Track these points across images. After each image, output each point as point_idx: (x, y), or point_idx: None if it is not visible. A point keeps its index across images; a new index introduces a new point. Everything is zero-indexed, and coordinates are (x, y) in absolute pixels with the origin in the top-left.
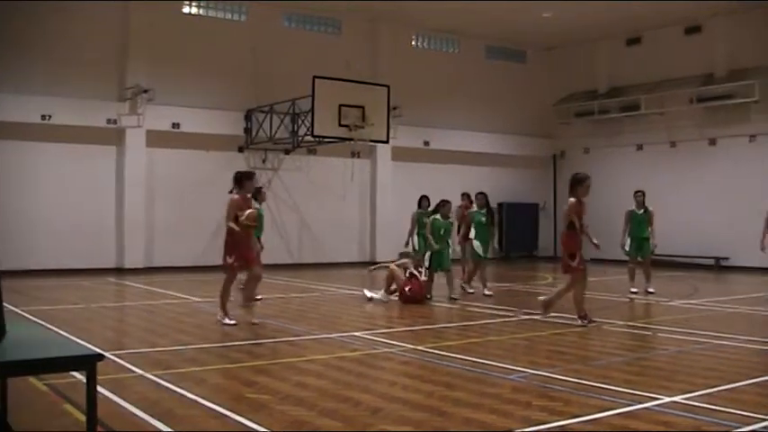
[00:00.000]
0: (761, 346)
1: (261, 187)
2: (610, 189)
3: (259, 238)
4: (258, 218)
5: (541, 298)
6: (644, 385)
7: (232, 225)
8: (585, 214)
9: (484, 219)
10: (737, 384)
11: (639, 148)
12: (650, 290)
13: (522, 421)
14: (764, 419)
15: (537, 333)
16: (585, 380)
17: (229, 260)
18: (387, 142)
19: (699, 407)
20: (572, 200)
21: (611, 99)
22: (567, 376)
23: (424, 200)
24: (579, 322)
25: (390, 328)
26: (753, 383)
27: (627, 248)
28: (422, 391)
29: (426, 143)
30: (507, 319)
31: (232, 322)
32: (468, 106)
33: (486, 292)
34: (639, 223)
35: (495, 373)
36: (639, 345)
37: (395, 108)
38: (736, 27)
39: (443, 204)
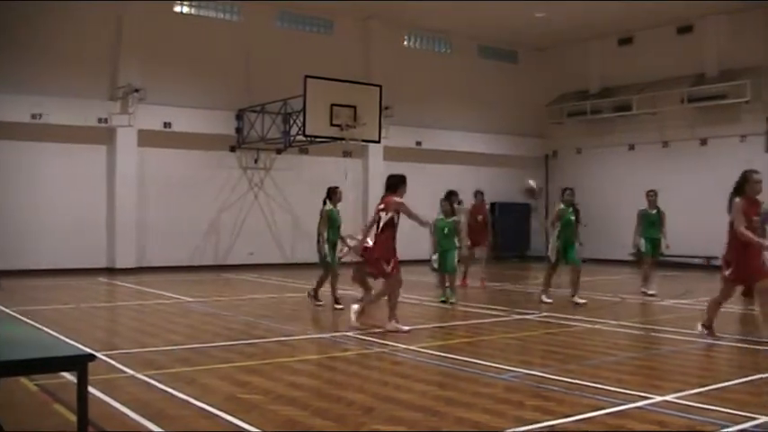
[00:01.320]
0: (752, 346)
1: (336, 187)
2: (602, 189)
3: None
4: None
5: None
6: (636, 384)
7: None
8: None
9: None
10: (729, 383)
11: (631, 147)
12: (644, 290)
13: (515, 421)
14: (755, 418)
15: (529, 333)
16: (578, 379)
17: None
18: (378, 142)
19: (691, 406)
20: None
21: (603, 99)
22: (559, 376)
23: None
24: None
25: (382, 327)
26: (744, 382)
27: (642, 249)
28: (414, 391)
29: (418, 143)
30: (500, 319)
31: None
32: (461, 106)
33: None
34: (653, 223)
35: (488, 372)
36: (632, 344)
37: (387, 108)
38: (728, 27)
39: (451, 198)
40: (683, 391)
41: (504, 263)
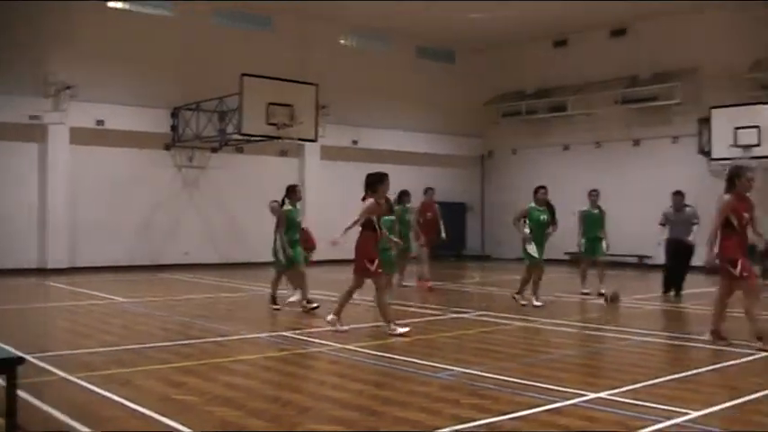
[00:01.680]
0: (683, 343)
1: (296, 186)
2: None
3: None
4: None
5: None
6: (571, 382)
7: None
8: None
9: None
10: (660, 380)
11: (566, 148)
12: (602, 291)
13: (452, 419)
14: (686, 413)
15: (465, 331)
16: (514, 377)
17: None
18: (315, 141)
19: (623, 402)
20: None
21: (539, 100)
22: (495, 374)
23: (404, 195)
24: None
25: (319, 327)
26: (675, 379)
27: (582, 249)
28: (351, 391)
29: (355, 142)
30: (436, 318)
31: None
32: (398, 105)
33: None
34: (594, 222)
35: (425, 371)
36: (567, 342)
37: (324, 107)
38: (660, 30)
39: (403, 198)
40: (617, 387)
41: (441, 262)
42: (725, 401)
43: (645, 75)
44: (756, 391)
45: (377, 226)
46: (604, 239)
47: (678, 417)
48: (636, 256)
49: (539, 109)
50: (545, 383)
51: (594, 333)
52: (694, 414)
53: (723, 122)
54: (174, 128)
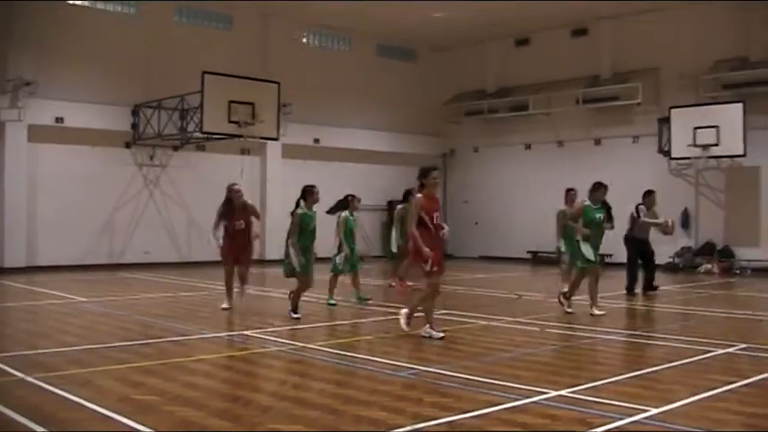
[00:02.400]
0: (642, 340)
1: (313, 186)
2: (499, 188)
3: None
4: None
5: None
6: (532, 380)
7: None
8: (438, 212)
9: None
10: (621, 377)
11: (528, 147)
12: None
13: (414, 417)
14: (646, 410)
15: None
16: (475, 376)
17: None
18: (277, 140)
19: (584, 400)
20: (418, 196)
21: (501, 99)
22: (457, 372)
23: (410, 195)
24: (431, 333)
25: (280, 326)
26: (635, 376)
27: (563, 249)
28: (312, 390)
29: (316, 140)
30: (397, 317)
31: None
32: (359, 104)
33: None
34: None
35: (386, 370)
36: (528, 341)
37: (285, 105)
38: (621, 31)
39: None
40: (578, 385)
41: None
42: (683, 398)
43: (606, 75)
44: (714, 388)
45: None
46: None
47: (637, 414)
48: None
49: (500, 108)
50: (507, 382)
51: (557, 332)
52: (653, 411)
53: (682, 122)
54: (134, 126)
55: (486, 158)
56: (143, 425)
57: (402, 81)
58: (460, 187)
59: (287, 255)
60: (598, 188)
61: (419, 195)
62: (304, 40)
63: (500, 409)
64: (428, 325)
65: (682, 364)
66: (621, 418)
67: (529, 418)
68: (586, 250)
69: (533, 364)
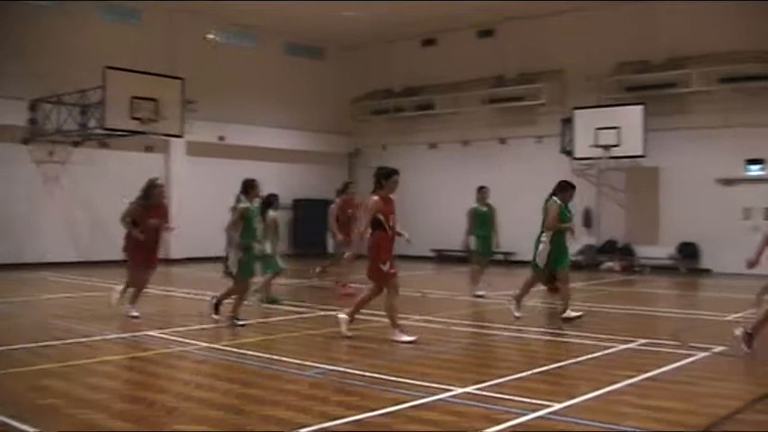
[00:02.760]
0: (546, 337)
1: (254, 180)
2: (405, 186)
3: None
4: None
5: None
6: (438, 377)
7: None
8: (394, 214)
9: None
10: (525, 374)
11: (433, 146)
12: (481, 292)
13: (320, 416)
14: (550, 405)
15: (333, 329)
16: (382, 374)
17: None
18: (181, 137)
19: (489, 396)
20: (375, 197)
21: (407, 98)
22: (363, 371)
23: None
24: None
25: (185, 326)
26: (539, 372)
27: (473, 247)
28: (218, 390)
29: (222, 138)
30: (304, 316)
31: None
32: (266, 102)
33: None
34: (484, 221)
35: (293, 369)
36: (435, 338)
37: (190, 102)
38: (527, 32)
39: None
40: (484, 382)
41: (309, 259)
42: (586, 393)
43: (511, 75)
44: (615, 382)
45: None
46: (495, 237)
47: (541, 409)
48: (500, 252)
49: (407, 107)
50: (413, 379)
51: (463, 329)
52: (557, 406)
53: (585, 123)
54: (32, 121)
55: (393, 157)
56: (44, 430)
57: (310, 79)
58: (367, 186)
59: (228, 254)
60: (566, 188)
61: (376, 197)
62: (210, 35)
63: (407, 407)
64: (397, 329)
65: (585, 360)
66: (526, 414)
67: (436, 415)
68: (555, 253)
69: (440, 361)
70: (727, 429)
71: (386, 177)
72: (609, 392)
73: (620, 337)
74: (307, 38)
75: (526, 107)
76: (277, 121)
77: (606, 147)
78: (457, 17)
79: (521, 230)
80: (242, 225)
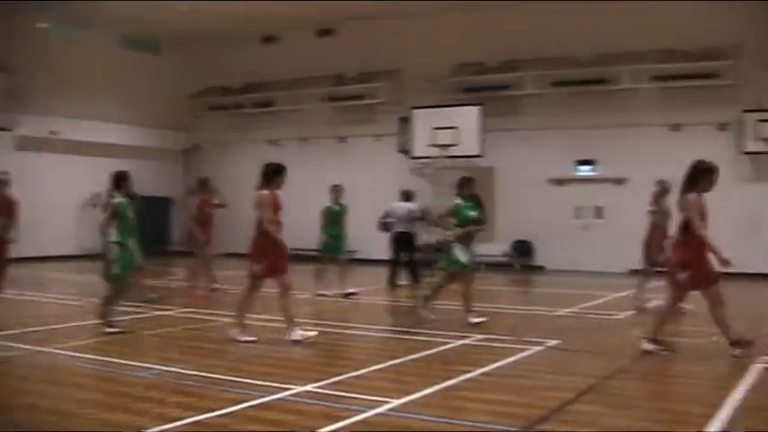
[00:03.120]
0: (383, 334)
1: (126, 172)
2: (244, 184)
3: None
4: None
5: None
6: (278, 376)
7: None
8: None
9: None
10: (364, 371)
11: (273, 143)
12: (351, 290)
13: (157, 419)
14: (389, 402)
15: (169, 329)
16: (220, 374)
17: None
18: (10, 130)
19: (329, 394)
20: (265, 192)
21: (247, 95)
22: (201, 371)
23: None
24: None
25: (10, 329)
26: (377, 369)
27: (323, 247)
28: (49, 395)
29: (54, 133)
30: (139, 316)
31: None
32: (100, 96)
33: None
34: (336, 219)
35: (128, 371)
36: (275, 337)
37: (19, 95)
38: (367, 32)
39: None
40: (323, 380)
41: (145, 258)
42: (424, 389)
43: (351, 74)
44: (452, 378)
45: None
46: (345, 237)
47: (380, 406)
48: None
49: (246, 104)
50: (252, 379)
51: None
52: (395, 402)
53: (423, 122)
54: None
55: (232, 154)
56: None
57: (146, 74)
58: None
59: (105, 254)
60: (466, 183)
61: (266, 192)
62: (42, 25)
63: (246, 407)
64: (296, 328)
65: (422, 357)
66: (365, 411)
67: (275, 415)
68: (459, 253)
69: (279, 360)
70: (560, 419)
71: (276, 173)
72: (446, 388)
73: (456, 334)
74: (143, 31)
75: (365, 106)
76: (113, 116)
77: (443, 146)
78: (297, 16)
79: (358, 229)
80: (115, 221)
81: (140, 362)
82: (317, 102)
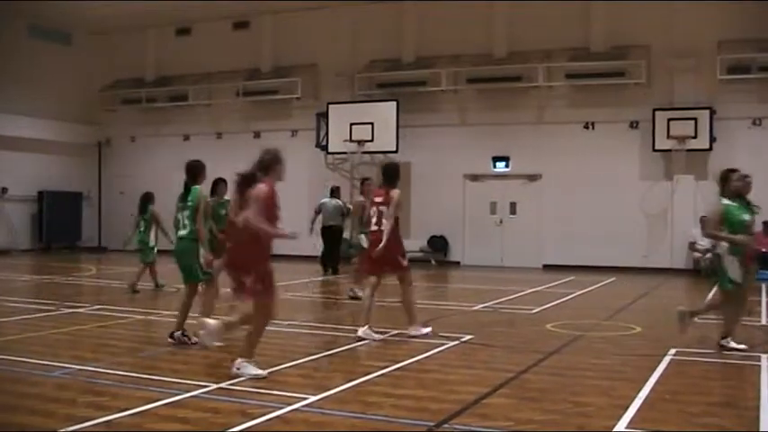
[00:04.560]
0: (300, 330)
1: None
2: (156, 178)
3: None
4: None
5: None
6: (191, 374)
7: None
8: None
9: None
10: (279, 367)
11: (186, 138)
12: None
13: (67, 420)
14: (305, 398)
15: (80, 327)
16: (132, 372)
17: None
18: None
19: (244, 391)
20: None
21: (159, 88)
22: (113, 369)
23: (220, 184)
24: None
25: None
26: (294, 365)
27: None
28: None
29: None
30: (48, 314)
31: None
32: (7, 88)
33: None
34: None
35: (36, 371)
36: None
37: None
38: (282, 26)
39: None
40: (238, 377)
41: (55, 254)
42: (340, 384)
43: (266, 68)
44: (368, 373)
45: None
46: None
47: (296, 402)
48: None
49: (159, 97)
50: (165, 377)
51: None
52: (312, 398)
53: (339, 118)
54: None
55: (144, 148)
56: None
57: (56, 65)
58: (117, 178)
59: None
60: (729, 176)
61: (263, 184)
62: None
63: (159, 405)
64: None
65: (339, 352)
66: (281, 407)
67: (189, 413)
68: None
69: (192, 357)
70: (475, 413)
71: (277, 162)
72: (362, 383)
73: (374, 329)
74: (53, 21)
75: (281, 101)
76: (19, 108)
77: (360, 142)
78: (212, 7)
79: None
80: None
81: (51, 361)
82: (231, 96)
